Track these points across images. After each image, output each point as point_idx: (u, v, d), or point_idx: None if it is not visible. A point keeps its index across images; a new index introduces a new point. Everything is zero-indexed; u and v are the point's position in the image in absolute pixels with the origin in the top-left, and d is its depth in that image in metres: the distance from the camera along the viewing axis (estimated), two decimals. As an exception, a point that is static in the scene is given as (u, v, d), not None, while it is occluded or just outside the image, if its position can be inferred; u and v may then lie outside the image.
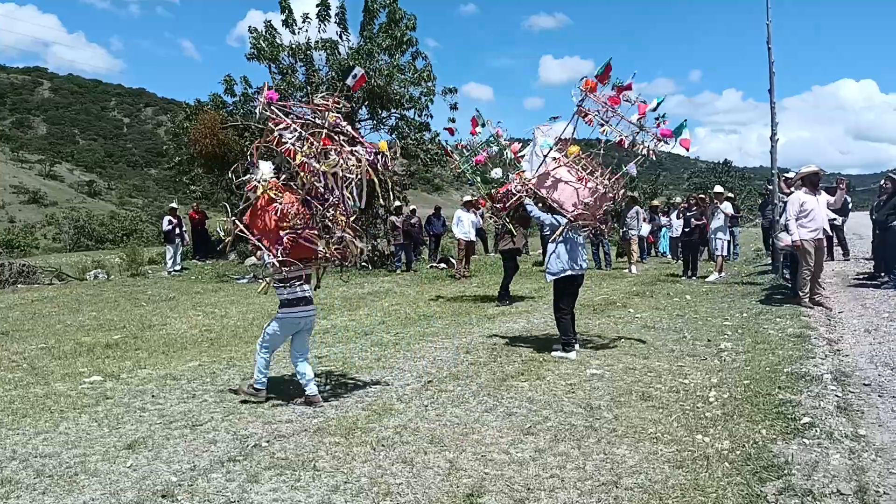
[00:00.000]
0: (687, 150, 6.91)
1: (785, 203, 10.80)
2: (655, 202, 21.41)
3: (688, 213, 14.40)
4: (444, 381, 6.02)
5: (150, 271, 17.15)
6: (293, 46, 18.12)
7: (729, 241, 14.95)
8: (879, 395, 5.20)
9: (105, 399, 5.65)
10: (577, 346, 7.05)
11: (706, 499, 3.54)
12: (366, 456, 4.24)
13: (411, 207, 17.99)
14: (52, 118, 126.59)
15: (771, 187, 13.69)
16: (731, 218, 14.70)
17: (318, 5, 18.19)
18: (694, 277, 13.69)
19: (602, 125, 6.80)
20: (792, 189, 10.17)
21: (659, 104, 6.80)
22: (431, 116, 19.18)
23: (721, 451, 4.15)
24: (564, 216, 6.83)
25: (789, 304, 9.49)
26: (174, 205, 18.01)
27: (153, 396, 5.72)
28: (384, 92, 17.60)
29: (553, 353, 6.94)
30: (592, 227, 7.17)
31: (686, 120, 6.88)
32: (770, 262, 14.32)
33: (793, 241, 9.25)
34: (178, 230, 17.14)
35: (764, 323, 8.32)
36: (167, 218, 17.32)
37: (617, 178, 6.95)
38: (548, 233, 6.98)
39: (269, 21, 18.33)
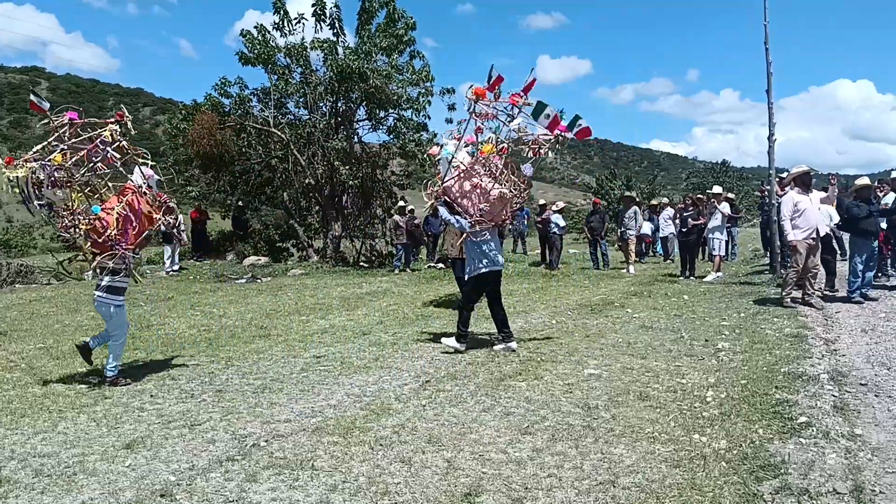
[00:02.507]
0: (588, 136, 7.27)
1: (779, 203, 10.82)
2: (654, 202, 21.44)
3: (685, 213, 14.42)
4: (441, 380, 6.03)
5: (148, 271, 17.13)
6: (289, 47, 18.12)
7: (727, 241, 14.99)
8: (876, 395, 5.22)
9: (103, 399, 5.65)
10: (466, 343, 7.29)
11: (703, 498, 3.55)
12: (364, 455, 4.25)
13: (409, 207, 18.02)
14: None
15: (768, 188, 13.74)
16: (730, 218, 14.74)
17: (313, 5, 18.20)
18: (692, 277, 13.71)
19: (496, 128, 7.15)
20: (785, 189, 10.21)
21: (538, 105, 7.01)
22: (429, 117, 19.22)
23: (718, 451, 4.17)
24: (468, 220, 7.14)
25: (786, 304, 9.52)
26: (171, 204, 17.95)
27: (151, 396, 5.72)
28: (382, 92, 17.63)
29: (444, 341, 7.30)
30: (495, 226, 7.38)
31: (578, 114, 7.19)
32: (768, 261, 14.36)
33: (789, 241, 9.28)
34: (177, 229, 17.09)
35: (761, 323, 8.34)
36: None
37: (520, 181, 7.25)
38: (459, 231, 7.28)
39: (261, 24, 18.35)
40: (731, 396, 5.28)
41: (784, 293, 9.47)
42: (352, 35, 18.84)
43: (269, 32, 18.28)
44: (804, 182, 9.40)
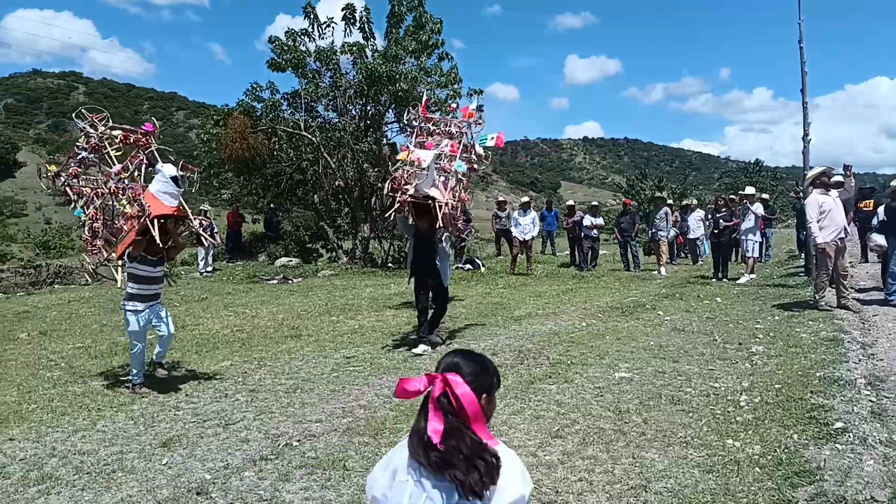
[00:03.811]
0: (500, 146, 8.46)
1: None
2: (685, 202, 21.17)
3: (717, 215, 14.23)
4: (471, 382, 6.03)
5: (182, 272, 17.44)
6: (318, 51, 18.28)
7: (761, 243, 14.75)
8: (916, 401, 5.10)
9: (140, 398, 5.78)
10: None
11: (736, 504, 3.51)
12: (395, 456, 4.28)
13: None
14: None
15: (802, 188, 13.49)
16: (764, 219, 14.50)
17: (343, 9, 18.33)
18: (725, 279, 13.52)
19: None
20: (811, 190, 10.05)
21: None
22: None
23: (752, 456, 4.12)
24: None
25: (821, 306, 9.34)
26: (204, 207, 18.29)
27: (187, 395, 5.84)
28: (411, 95, 17.69)
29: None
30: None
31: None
32: (803, 263, 14.09)
33: (817, 244, 9.10)
34: (208, 231, 17.40)
35: (796, 326, 8.20)
36: (198, 220, 17.57)
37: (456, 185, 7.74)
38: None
39: (291, 29, 18.52)
40: (765, 401, 5.21)
41: (818, 296, 9.30)
42: (381, 38, 18.95)
43: (298, 37, 18.47)
44: (824, 183, 9.28)
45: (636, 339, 7.76)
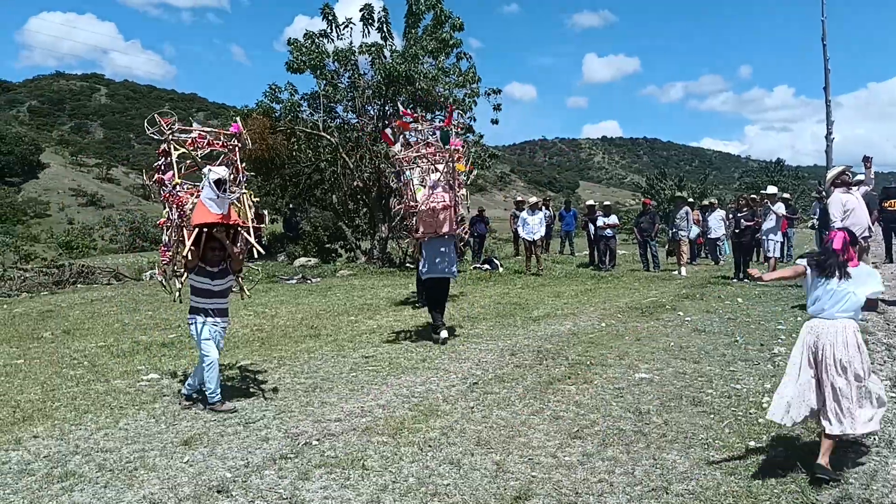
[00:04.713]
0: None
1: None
2: (705, 202, 20.95)
3: (738, 214, 14.08)
4: (489, 383, 6.04)
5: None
6: (337, 52, 18.35)
7: (782, 243, 14.55)
8: (943, 404, 5.00)
9: (162, 396, 5.84)
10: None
11: (759, 507, 3.47)
12: (413, 456, 4.29)
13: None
14: (108, 123, 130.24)
15: (824, 187, 13.30)
16: (785, 219, 14.32)
17: (361, 10, 18.39)
18: (746, 280, 13.37)
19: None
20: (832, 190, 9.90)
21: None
22: (475, 119, 19.18)
23: (774, 458, 4.07)
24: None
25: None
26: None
27: (207, 394, 5.87)
28: (429, 94, 17.69)
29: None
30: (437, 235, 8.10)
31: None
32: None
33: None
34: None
35: (819, 327, 8.07)
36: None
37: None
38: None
39: (309, 31, 18.61)
40: (787, 403, 5.14)
41: None
42: (399, 38, 18.98)
43: (317, 38, 18.55)
44: (845, 181, 9.15)
45: (656, 340, 7.70)
